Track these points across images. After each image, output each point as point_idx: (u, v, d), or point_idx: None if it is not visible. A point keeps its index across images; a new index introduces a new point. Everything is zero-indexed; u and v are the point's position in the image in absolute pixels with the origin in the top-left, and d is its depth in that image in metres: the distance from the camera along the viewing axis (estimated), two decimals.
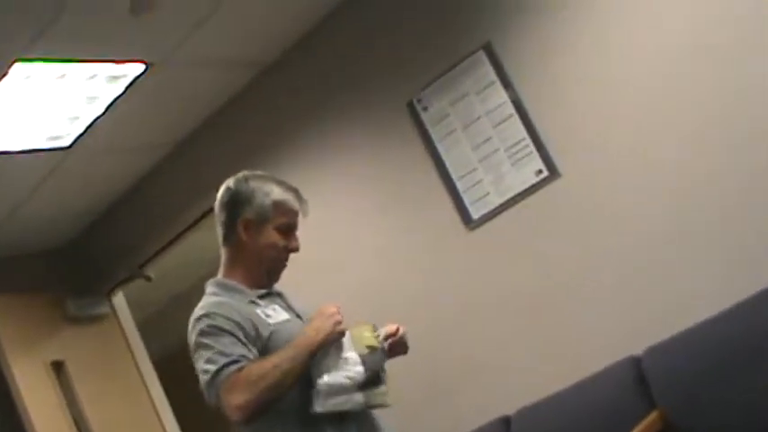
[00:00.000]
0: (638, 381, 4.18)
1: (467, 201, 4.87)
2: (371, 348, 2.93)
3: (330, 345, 2.90)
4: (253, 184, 3.14)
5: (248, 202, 3.10)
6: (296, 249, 3.16)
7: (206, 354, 2.85)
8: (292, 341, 2.88)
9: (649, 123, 4.33)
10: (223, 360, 2.80)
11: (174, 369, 7.57)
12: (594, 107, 4.47)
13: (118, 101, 5.06)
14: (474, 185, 4.85)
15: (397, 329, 3.09)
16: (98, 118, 5.14)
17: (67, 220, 6.43)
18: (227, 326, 2.88)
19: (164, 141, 5.94)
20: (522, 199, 4.70)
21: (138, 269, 6.52)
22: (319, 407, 2.84)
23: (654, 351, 4.21)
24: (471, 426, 4.73)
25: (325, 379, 2.85)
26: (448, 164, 4.92)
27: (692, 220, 4.23)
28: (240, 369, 2.79)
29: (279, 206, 3.12)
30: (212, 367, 2.81)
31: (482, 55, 4.75)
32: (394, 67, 5.07)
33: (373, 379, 2.91)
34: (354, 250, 5.32)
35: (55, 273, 6.67)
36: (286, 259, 3.18)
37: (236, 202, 3.12)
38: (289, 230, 3.15)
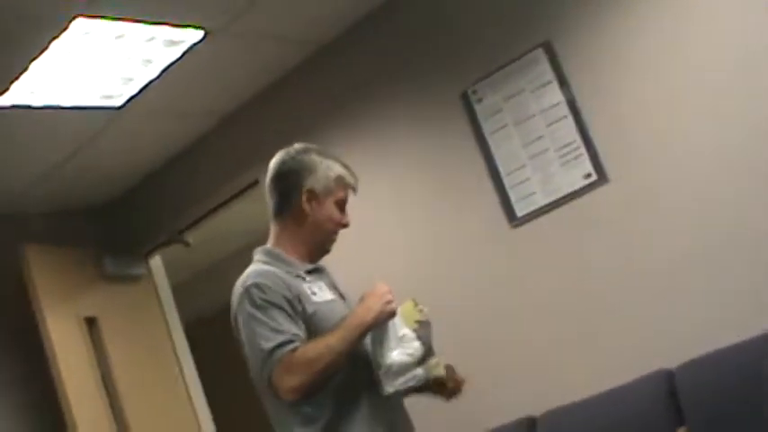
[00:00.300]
0: (669, 395, 4.15)
1: (513, 197, 4.85)
2: (420, 323, 2.96)
3: (384, 324, 2.93)
4: (314, 156, 3.15)
5: (312, 172, 3.10)
6: (347, 225, 3.18)
7: (259, 329, 2.86)
8: (344, 321, 2.91)
9: (700, 139, 4.30)
10: (278, 338, 2.82)
11: (205, 334, 7.64)
12: (649, 116, 4.43)
13: (173, 66, 5.06)
14: (521, 183, 4.82)
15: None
16: (152, 81, 5.15)
17: (112, 179, 6.47)
18: (278, 300, 2.89)
19: (215, 110, 5.94)
20: (568, 201, 4.67)
21: (178, 234, 6.55)
22: (390, 387, 2.89)
23: (688, 366, 4.17)
24: (496, 423, 4.72)
25: (392, 358, 2.88)
26: (497, 158, 4.89)
27: (738, 236, 4.19)
28: (294, 350, 2.81)
29: (340, 180, 3.13)
30: (267, 345, 2.83)
31: (541, 53, 4.71)
32: (451, 56, 5.04)
33: (427, 352, 2.94)
34: (398, 235, 5.31)
35: (95, 230, 6.72)
36: (337, 234, 3.19)
37: (298, 172, 3.11)
38: (343, 206, 3.16)
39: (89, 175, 6.20)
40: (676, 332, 4.31)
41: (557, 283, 4.73)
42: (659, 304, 4.39)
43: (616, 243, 4.53)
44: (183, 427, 6.45)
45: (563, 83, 4.66)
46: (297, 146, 3.20)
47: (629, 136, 4.50)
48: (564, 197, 4.68)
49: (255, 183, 5.92)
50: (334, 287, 3.17)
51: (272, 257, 3.08)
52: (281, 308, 2.88)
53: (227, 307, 8.00)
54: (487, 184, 4.91)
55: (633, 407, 4.24)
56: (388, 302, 2.94)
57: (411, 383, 2.90)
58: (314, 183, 3.09)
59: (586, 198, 4.62)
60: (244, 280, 2.98)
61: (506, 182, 4.86)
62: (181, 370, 6.59)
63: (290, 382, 2.81)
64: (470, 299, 4.96)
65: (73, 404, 5.62)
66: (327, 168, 3.12)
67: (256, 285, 2.92)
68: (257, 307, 2.88)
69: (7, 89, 4.68)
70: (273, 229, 3.18)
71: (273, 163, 3.20)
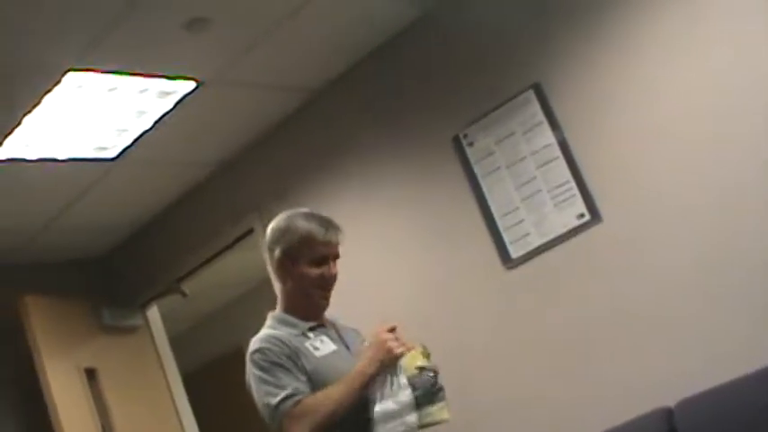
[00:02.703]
0: None
1: (507, 239, 4.85)
2: (420, 369, 3.05)
3: (384, 373, 3.07)
4: (284, 223, 3.34)
5: (281, 241, 3.30)
6: (332, 277, 3.33)
7: (264, 387, 3.10)
8: (348, 374, 3.07)
9: (693, 176, 4.30)
10: (282, 393, 3.05)
11: (202, 384, 7.62)
12: (640, 155, 4.44)
13: (167, 116, 5.10)
14: (515, 225, 4.82)
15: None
16: (146, 132, 5.18)
17: (108, 230, 6.49)
18: (279, 359, 3.12)
19: (209, 160, 5.97)
20: (563, 241, 4.67)
21: (175, 284, 6.55)
22: None
23: (687, 404, 4.14)
24: None
25: (378, 408, 3.02)
26: (490, 201, 4.90)
27: (733, 275, 4.18)
28: (297, 402, 3.04)
29: (307, 241, 3.27)
30: (272, 400, 3.06)
31: (531, 95, 4.73)
32: (442, 100, 5.07)
33: (428, 398, 3.03)
34: (392, 280, 5.31)
35: (92, 281, 6.73)
36: (326, 288, 3.34)
37: (272, 242, 3.33)
38: (323, 261, 3.30)
39: (85, 226, 6.22)
40: (675, 369, 4.29)
41: (553, 322, 4.71)
42: (656, 342, 4.38)
43: (611, 282, 4.53)
44: None
45: (554, 124, 4.67)
46: (281, 214, 3.40)
47: (621, 175, 4.50)
48: (558, 237, 4.68)
49: (250, 231, 5.94)
50: (339, 338, 3.34)
51: (278, 322, 3.30)
52: (281, 366, 3.11)
53: (224, 356, 8.00)
54: (481, 227, 4.92)
55: None
56: (390, 351, 3.08)
57: (400, 429, 2.99)
58: (284, 248, 3.28)
59: (581, 238, 4.62)
60: (251, 346, 3.22)
61: (500, 224, 4.87)
62: (179, 419, 6.56)
63: (297, 431, 3.01)
64: (465, 340, 4.94)
65: None
66: (293, 234, 3.28)
67: (259, 350, 3.17)
68: (261, 369, 3.13)
69: (0, 144, 4.71)
70: (279, 294, 3.41)
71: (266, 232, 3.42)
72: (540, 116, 4.72)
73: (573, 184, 4.62)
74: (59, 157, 5.10)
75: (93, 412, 6.00)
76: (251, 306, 8.42)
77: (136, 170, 5.65)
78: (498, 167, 4.87)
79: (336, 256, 3.35)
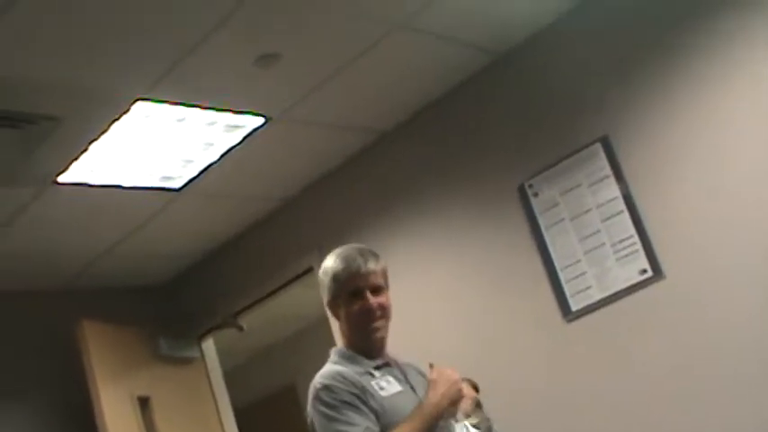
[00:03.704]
0: None
1: (568, 292, 4.81)
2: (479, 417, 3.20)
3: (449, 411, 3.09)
4: (323, 265, 3.27)
5: (322, 287, 3.25)
6: (373, 308, 3.18)
7: (334, 425, 2.99)
8: (417, 407, 3.03)
9: (753, 237, 4.24)
10: (354, 430, 2.96)
11: (254, 420, 7.60)
12: (704, 212, 4.39)
13: (233, 150, 5.13)
14: (576, 277, 4.78)
15: None
16: (212, 164, 5.22)
17: (169, 259, 6.53)
18: (348, 398, 3.02)
19: (273, 195, 6.00)
20: (624, 297, 4.62)
21: (232, 318, 6.56)
22: None
23: None
24: None
25: None
26: (552, 252, 4.86)
27: None
28: None
29: (336, 279, 3.20)
30: None
31: (599, 148, 4.70)
32: (510, 149, 5.05)
33: None
34: (449, 328, 5.27)
35: (150, 310, 6.76)
36: (372, 320, 3.20)
37: (321, 287, 3.27)
38: (358, 293, 3.18)
39: (147, 254, 6.27)
40: (732, 429, 4.22)
41: (610, 379, 4.65)
42: (723, 401, 4.29)
43: (673, 339, 4.46)
44: None
45: (620, 178, 4.63)
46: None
47: (684, 232, 4.45)
48: (619, 292, 4.63)
49: (310, 269, 5.93)
50: (405, 380, 3.24)
51: (343, 358, 3.21)
52: (351, 404, 3.01)
53: (277, 392, 7.99)
54: (542, 278, 4.88)
55: None
56: (460, 390, 3.12)
57: None
58: (326, 295, 3.25)
59: (642, 294, 4.56)
60: (315, 382, 3.12)
61: (562, 276, 4.82)
62: None
63: None
64: (521, 393, 4.89)
65: None
66: (325, 275, 3.24)
67: (325, 387, 3.06)
68: (329, 407, 3.02)
69: (67, 168, 4.76)
70: None
71: None
72: (607, 170, 4.68)
73: (636, 238, 4.56)
74: (124, 185, 5.14)
75: None
76: (306, 344, 8.43)
77: (200, 202, 5.68)
78: (562, 219, 4.83)
79: (375, 286, 3.21)
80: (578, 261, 4.77)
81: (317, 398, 3.08)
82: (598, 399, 4.68)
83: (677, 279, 4.46)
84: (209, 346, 6.83)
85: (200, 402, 6.62)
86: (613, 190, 4.65)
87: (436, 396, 3.04)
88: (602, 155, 4.69)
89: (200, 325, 6.71)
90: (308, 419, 3.13)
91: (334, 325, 5.47)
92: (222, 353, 6.95)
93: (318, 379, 3.12)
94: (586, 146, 4.75)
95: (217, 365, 6.84)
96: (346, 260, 3.20)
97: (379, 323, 3.21)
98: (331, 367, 3.17)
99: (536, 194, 4.92)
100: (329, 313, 3.32)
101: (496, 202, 5.08)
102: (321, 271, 3.26)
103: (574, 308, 4.78)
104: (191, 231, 6.16)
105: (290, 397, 8.78)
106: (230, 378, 6.96)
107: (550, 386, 4.85)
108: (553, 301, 4.85)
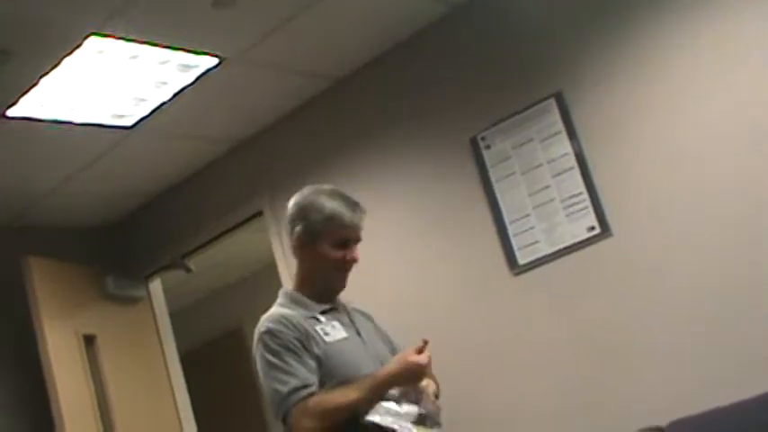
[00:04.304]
0: None
1: (515, 245, 4.84)
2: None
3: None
4: (309, 199, 3.26)
5: (303, 218, 3.23)
6: (353, 261, 3.27)
7: (274, 373, 3.03)
8: (367, 378, 3.01)
9: (705, 202, 4.29)
10: (293, 382, 2.99)
11: (199, 362, 7.62)
12: (656, 172, 4.42)
13: (186, 90, 5.08)
14: (525, 231, 4.81)
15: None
16: (164, 103, 5.16)
17: (118, 198, 6.48)
18: (289, 344, 3.05)
19: (225, 136, 5.96)
20: (571, 252, 4.66)
21: (180, 259, 6.54)
22: (370, 416, 2.97)
23: (678, 425, 4.14)
24: None
25: (375, 419, 2.96)
26: (502, 205, 4.88)
27: (734, 303, 4.17)
28: (310, 395, 2.98)
29: (331, 221, 3.21)
30: (282, 388, 3.00)
31: (552, 103, 4.71)
32: (463, 101, 5.04)
33: (431, 422, 3.05)
34: (398, 274, 5.29)
35: (98, 249, 6.73)
36: (345, 270, 3.28)
37: (294, 219, 3.26)
38: (345, 244, 3.24)
39: (95, 192, 6.21)
40: (670, 390, 4.29)
41: (555, 332, 4.70)
42: (656, 360, 4.37)
43: (616, 296, 4.52)
44: None
45: (572, 134, 4.65)
46: (305, 189, 3.32)
47: (635, 192, 4.49)
48: (567, 248, 4.67)
49: (260, 213, 5.93)
50: (351, 323, 3.28)
51: (290, 300, 3.24)
52: (293, 351, 3.04)
53: (224, 335, 7.97)
54: (491, 230, 4.90)
55: None
56: (415, 379, 3.05)
57: (388, 421, 2.94)
58: (306, 226, 3.22)
59: (589, 250, 4.61)
60: (260, 325, 3.14)
61: (510, 229, 4.85)
62: (173, 394, 6.56)
63: (305, 423, 2.95)
64: (468, 343, 4.93)
65: (66, 417, 5.60)
66: (318, 212, 3.21)
67: (269, 331, 3.09)
68: (271, 352, 3.05)
69: (16, 102, 4.68)
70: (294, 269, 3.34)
71: (288, 205, 3.33)
72: (560, 125, 4.70)
73: (586, 195, 4.60)
74: (75, 121, 5.07)
75: (89, 379, 5.99)
76: (253, 288, 8.46)
77: (151, 141, 5.63)
78: (513, 172, 4.86)
79: (358, 240, 3.29)
80: (527, 215, 4.79)
81: (260, 341, 3.10)
82: (540, 352, 4.73)
83: (624, 237, 4.50)
84: (156, 286, 6.81)
85: (145, 343, 6.61)
86: (565, 146, 4.67)
87: (389, 373, 3.02)
88: (556, 110, 4.70)
89: (147, 265, 6.68)
90: (254, 362, 3.15)
91: (287, 267, 5.53)
92: (169, 294, 6.92)
93: (264, 322, 3.13)
94: (540, 101, 4.76)
95: (163, 306, 6.82)
96: (348, 207, 3.23)
97: (347, 276, 3.30)
98: (277, 310, 3.19)
99: (488, 147, 4.93)
100: (290, 245, 3.29)
101: (449, 153, 5.09)
102: (309, 203, 3.23)
103: (521, 261, 4.81)
104: (141, 171, 6.11)
105: (237, 340, 8.80)
106: (177, 320, 6.94)
107: (495, 336, 4.89)
108: (501, 253, 4.88)
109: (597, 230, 4.56)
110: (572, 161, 4.65)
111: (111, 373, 6.17)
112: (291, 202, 3.30)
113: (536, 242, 4.76)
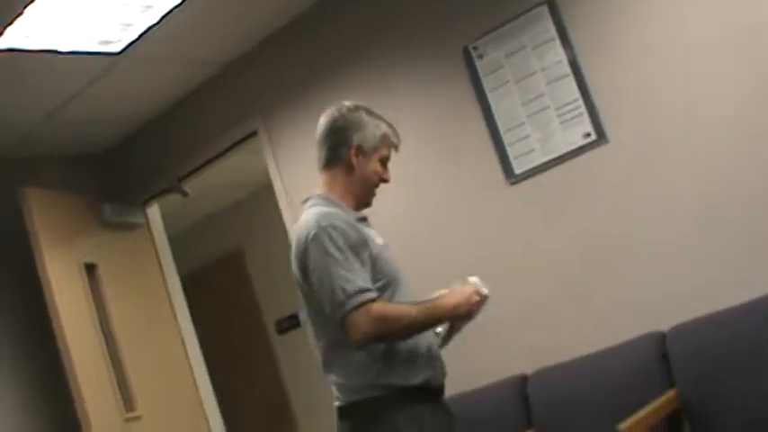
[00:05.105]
0: (659, 358, 4.15)
1: (511, 155, 4.82)
2: None
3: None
4: (363, 115, 3.36)
5: (361, 129, 3.32)
6: (389, 180, 3.42)
7: (338, 270, 3.03)
8: (431, 303, 3.13)
9: (702, 105, 4.26)
10: (358, 283, 3.02)
11: (198, 286, 7.65)
12: (650, 79, 4.39)
13: (173, 12, 5.00)
14: (520, 140, 4.79)
15: None
16: (152, 27, 5.09)
17: (111, 126, 6.44)
18: (353, 244, 3.10)
19: (215, 59, 5.91)
20: (567, 160, 4.65)
21: (176, 183, 6.53)
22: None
23: (679, 329, 4.18)
24: (487, 381, 4.74)
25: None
26: (496, 115, 4.86)
27: (736, 204, 4.17)
28: (372, 300, 3.01)
29: (385, 138, 3.36)
30: (348, 287, 3.00)
31: (545, 10, 4.66)
32: (454, 11, 4.98)
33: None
34: (395, 189, 5.22)
35: (94, 177, 6.72)
36: (377, 188, 3.42)
37: (349, 128, 3.33)
38: (386, 163, 3.39)
39: (87, 121, 6.18)
40: (673, 294, 4.31)
41: (552, 241, 4.72)
42: (656, 265, 4.39)
43: (613, 203, 4.52)
44: (177, 371, 6.50)
45: (565, 41, 4.61)
46: (347, 103, 3.40)
47: (630, 97, 4.46)
48: (562, 156, 4.66)
49: (254, 133, 5.91)
50: (378, 235, 3.36)
51: (331, 203, 3.27)
52: (356, 253, 3.08)
53: (225, 257, 7.96)
54: (486, 141, 4.89)
55: (624, 368, 4.26)
56: (470, 313, 3.20)
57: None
58: (362, 139, 3.31)
59: (585, 157, 4.59)
60: (317, 219, 3.13)
61: (505, 139, 4.83)
62: (176, 318, 6.61)
63: (365, 328, 2.97)
64: (465, 253, 4.94)
65: (71, 346, 5.65)
66: (375, 127, 3.34)
67: (334, 227, 3.10)
68: (336, 248, 3.06)
69: (1, 33, 4.62)
70: (323, 180, 3.36)
71: (325, 118, 3.38)
72: (553, 32, 4.65)
73: (581, 102, 4.57)
74: (62, 50, 5.02)
75: (92, 307, 6.03)
76: (252, 210, 8.47)
77: (140, 66, 5.58)
78: (507, 81, 4.82)
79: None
80: (522, 124, 4.77)
81: (322, 236, 3.08)
82: (539, 261, 4.76)
83: (620, 144, 4.49)
84: (153, 211, 6.81)
85: (145, 268, 6.64)
86: (558, 53, 4.63)
87: (451, 304, 3.15)
88: (548, 17, 4.65)
89: (144, 190, 6.68)
90: (299, 257, 3.14)
91: (284, 187, 5.53)
92: (167, 219, 6.93)
93: (322, 219, 3.13)
94: (532, 8, 4.70)
95: (162, 231, 6.83)
96: (394, 131, 3.40)
97: None
98: (329, 210, 3.20)
99: (480, 57, 4.89)
100: (330, 157, 3.33)
101: (441, 65, 5.05)
102: (361, 119, 3.32)
103: (517, 170, 4.80)
104: (132, 96, 6.06)
105: (237, 262, 8.85)
106: (176, 244, 6.96)
107: (492, 247, 4.91)
108: (496, 163, 4.87)
109: (593, 137, 4.54)
110: (566, 68, 4.61)
111: (114, 300, 6.21)
112: (342, 112, 3.36)
113: (531, 150, 4.75)
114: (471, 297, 3.17)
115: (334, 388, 3.18)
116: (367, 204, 3.40)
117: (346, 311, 2.98)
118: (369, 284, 3.04)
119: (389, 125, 3.39)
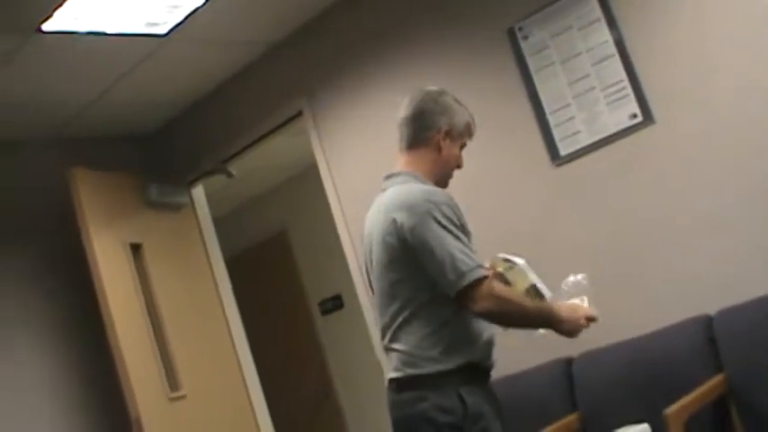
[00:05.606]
0: (706, 341, 4.13)
1: (556, 136, 4.79)
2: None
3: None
4: (449, 101, 3.47)
5: (449, 114, 3.44)
6: (462, 167, 3.53)
7: (458, 244, 3.14)
8: (547, 305, 3.30)
9: (752, 86, 4.19)
10: (477, 260, 3.14)
11: (243, 267, 7.69)
12: (698, 58, 4.34)
13: None
14: (565, 121, 4.76)
15: None
16: (198, 9, 5.11)
17: (157, 107, 6.49)
18: (462, 224, 3.23)
19: (260, 40, 5.92)
20: (613, 141, 4.61)
21: (221, 164, 6.56)
22: None
23: (727, 312, 4.15)
24: (533, 363, 4.75)
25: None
26: (542, 96, 4.83)
27: None
28: (491, 279, 3.14)
29: (468, 127, 3.50)
30: (470, 262, 3.11)
31: None
32: None
33: None
34: None
35: (139, 158, 6.78)
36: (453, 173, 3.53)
37: (439, 112, 3.43)
38: (461, 150, 3.50)
39: (134, 102, 6.22)
40: (720, 277, 4.27)
41: (598, 223, 4.69)
42: (702, 248, 4.35)
43: (660, 184, 4.48)
44: (222, 352, 6.55)
45: (611, 21, 4.57)
46: (434, 88, 3.52)
47: (677, 77, 4.40)
48: (609, 137, 4.62)
49: (299, 114, 5.92)
50: None
51: (420, 181, 3.36)
52: (466, 231, 3.24)
53: (269, 238, 7.99)
54: (531, 122, 4.87)
55: (670, 351, 4.24)
56: (575, 333, 3.31)
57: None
58: (451, 124, 3.42)
59: (632, 138, 4.55)
60: (425, 193, 3.25)
61: (551, 120, 4.81)
62: (220, 298, 6.65)
63: (486, 303, 3.09)
64: (510, 236, 4.90)
65: (117, 325, 5.72)
66: (462, 114, 3.46)
67: (448, 205, 3.22)
68: (452, 223, 3.18)
69: (51, 16, 4.66)
70: (406, 159, 3.45)
71: (414, 99, 3.47)
72: (598, 12, 4.61)
73: (627, 83, 4.53)
74: (109, 32, 5.05)
75: (137, 287, 6.09)
76: (297, 191, 8.48)
77: (186, 48, 5.60)
78: (552, 62, 4.79)
79: None
80: (568, 105, 4.74)
81: (439, 208, 3.18)
82: (584, 243, 4.73)
83: (667, 124, 4.44)
84: (198, 192, 6.85)
85: (190, 249, 6.68)
86: (604, 33, 4.58)
87: (563, 316, 3.26)
88: None
89: (189, 171, 6.71)
90: (404, 223, 3.19)
91: (328, 167, 5.55)
92: (212, 200, 6.97)
93: (432, 193, 3.25)
94: None
95: (206, 212, 6.86)
96: (474, 122, 3.52)
97: None
98: (428, 187, 3.33)
99: (526, 37, 4.86)
100: (417, 137, 3.42)
101: (486, 46, 5.02)
102: (449, 105, 3.43)
103: (563, 152, 4.78)
104: (178, 78, 6.09)
105: (282, 243, 8.88)
106: (221, 225, 7.00)
107: (538, 228, 4.90)
108: (542, 145, 4.84)
109: (639, 118, 4.50)
110: (612, 48, 4.57)
111: (159, 280, 6.26)
112: (433, 96, 3.46)
113: (577, 132, 4.72)
114: (581, 321, 3.29)
115: (394, 358, 3.27)
116: (444, 186, 3.46)
117: (469, 283, 3.07)
118: (481, 263, 3.15)
119: (471, 114, 3.50)
